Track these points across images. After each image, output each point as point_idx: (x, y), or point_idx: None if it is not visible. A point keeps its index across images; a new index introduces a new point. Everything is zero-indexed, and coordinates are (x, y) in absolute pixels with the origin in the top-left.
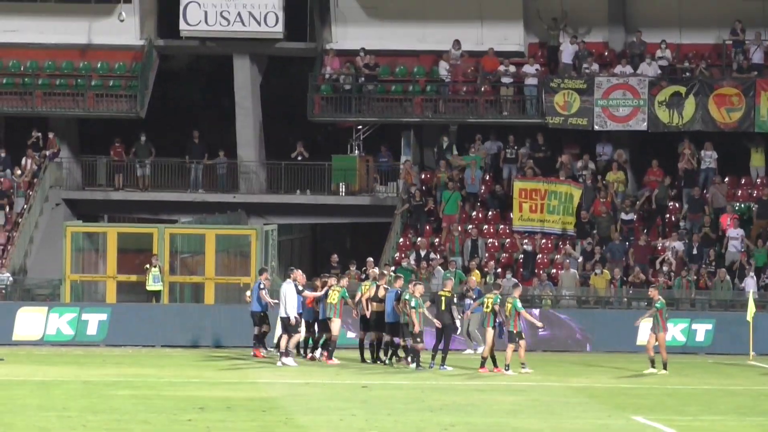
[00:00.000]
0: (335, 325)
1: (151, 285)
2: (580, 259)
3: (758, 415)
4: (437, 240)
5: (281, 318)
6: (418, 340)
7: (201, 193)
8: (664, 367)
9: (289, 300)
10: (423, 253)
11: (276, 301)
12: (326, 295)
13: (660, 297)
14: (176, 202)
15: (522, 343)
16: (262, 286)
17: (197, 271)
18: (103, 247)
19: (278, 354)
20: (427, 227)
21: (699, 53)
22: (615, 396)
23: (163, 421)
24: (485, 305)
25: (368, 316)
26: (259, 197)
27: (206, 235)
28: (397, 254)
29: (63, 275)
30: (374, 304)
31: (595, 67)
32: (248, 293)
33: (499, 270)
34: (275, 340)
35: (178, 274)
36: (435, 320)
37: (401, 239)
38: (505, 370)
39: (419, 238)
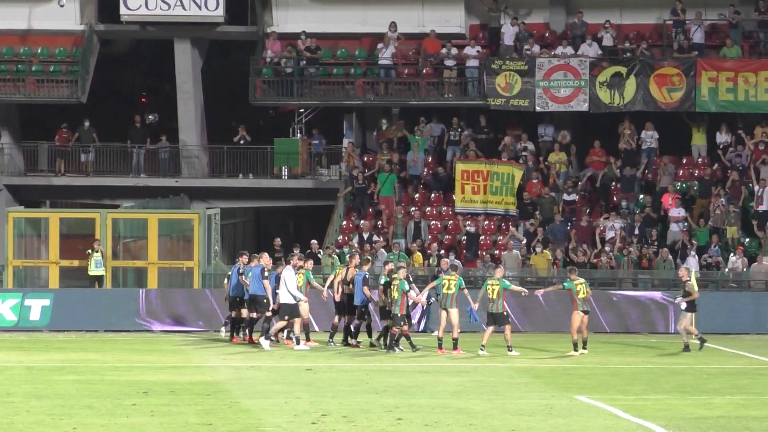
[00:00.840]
0: (304, 307)
1: (94, 270)
2: (524, 241)
3: (701, 394)
4: (380, 222)
5: (283, 303)
6: (403, 323)
7: (143, 178)
8: (574, 348)
9: (290, 285)
10: (366, 235)
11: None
12: None
13: (573, 277)
14: (119, 186)
15: (507, 326)
16: (241, 270)
17: (140, 256)
18: (45, 232)
19: (294, 340)
20: (370, 210)
21: (640, 34)
22: (559, 376)
23: (107, 405)
24: (446, 287)
25: (337, 299)
26: (202, 181)
27: (149, 220)
28: (340, 237)
29: (5, 261)
30: (345, 287)
31: (536, 48)
32: (225, 281)
33: (442, 252)
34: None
35: (120, 259)
36: (418, 298)
37: (344, 222)
38: (481, 350)
39: (362, 221)
